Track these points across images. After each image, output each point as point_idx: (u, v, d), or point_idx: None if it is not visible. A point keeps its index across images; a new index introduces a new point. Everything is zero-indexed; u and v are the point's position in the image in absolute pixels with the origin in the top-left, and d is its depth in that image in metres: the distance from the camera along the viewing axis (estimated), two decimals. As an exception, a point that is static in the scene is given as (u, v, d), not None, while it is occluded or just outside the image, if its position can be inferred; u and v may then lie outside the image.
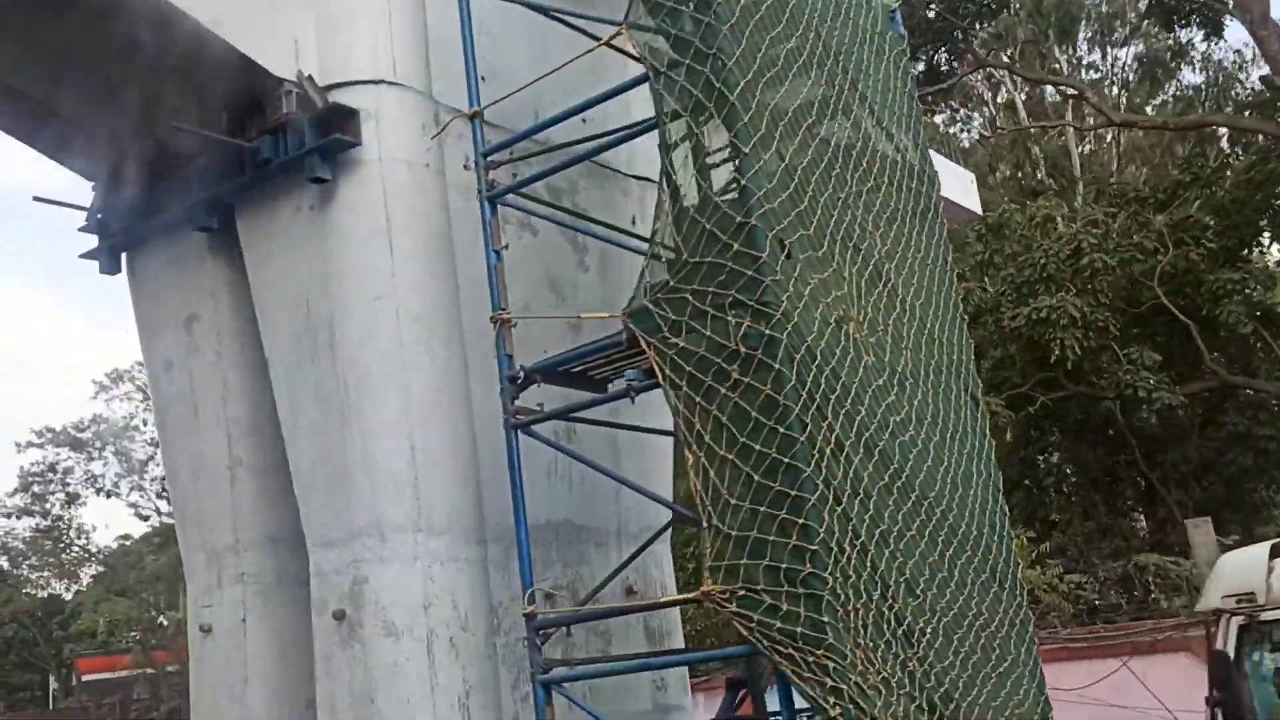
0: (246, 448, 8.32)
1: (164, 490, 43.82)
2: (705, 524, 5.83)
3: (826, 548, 5.57)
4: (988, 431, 7.83)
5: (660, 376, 6.10)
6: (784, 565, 5.56)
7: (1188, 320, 21.10)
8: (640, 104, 9.69)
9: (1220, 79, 34.50)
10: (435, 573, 7.38)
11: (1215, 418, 23.19)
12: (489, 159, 7.31)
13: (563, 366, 6.93)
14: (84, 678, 45.79)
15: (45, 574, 47.84)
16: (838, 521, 5.72)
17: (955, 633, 6.48)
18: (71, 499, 43.08)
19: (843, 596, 5.55)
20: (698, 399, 5.94)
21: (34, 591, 48.20)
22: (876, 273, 7.02)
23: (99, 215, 8.90)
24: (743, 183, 6.01)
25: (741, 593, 5.65)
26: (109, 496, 43.03)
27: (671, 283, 6.15)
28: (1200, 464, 23.14)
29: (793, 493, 5.60)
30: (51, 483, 42.38)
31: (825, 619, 5.42)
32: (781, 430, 5.68)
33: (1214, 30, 23.39)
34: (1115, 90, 37.37)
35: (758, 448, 5.72)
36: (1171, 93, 36.60)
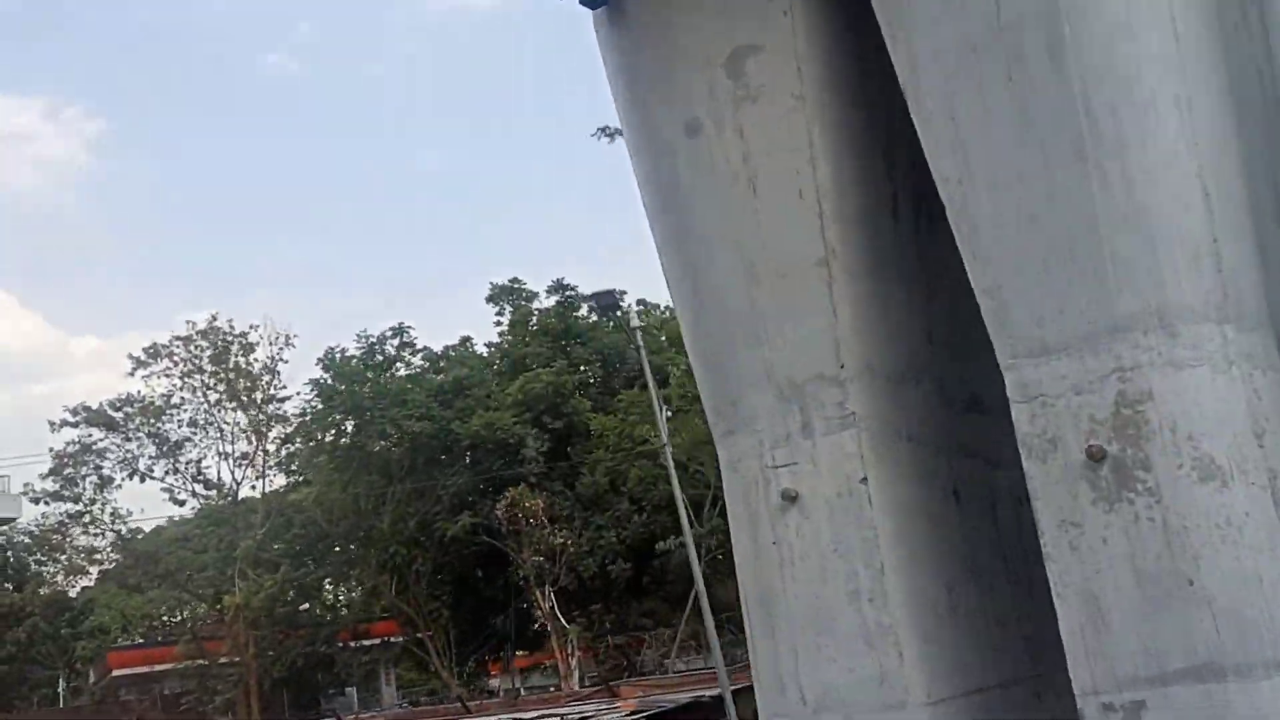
0: (841, 235, 5.68)
1: (199, 473, 40.85)
2: None
3: None
4: None
5: None
6: None
7: None
8: None
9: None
10: (1259, 385, 4.76)
11: None
12: None
13: None
14: (114, 673, 43.24)
15: (52, 569, 45.13)
16: None
17: None
18: (105, 482, 40.45)
19: None
20: None
21: (43, 588, 45.52)
22: None
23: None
24: None
25: None
26: (143, 480, 40.46)
27: None
28: None
29: None
30: (84, 464, 39.78)
31: None
32: None
33: None
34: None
35: None
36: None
